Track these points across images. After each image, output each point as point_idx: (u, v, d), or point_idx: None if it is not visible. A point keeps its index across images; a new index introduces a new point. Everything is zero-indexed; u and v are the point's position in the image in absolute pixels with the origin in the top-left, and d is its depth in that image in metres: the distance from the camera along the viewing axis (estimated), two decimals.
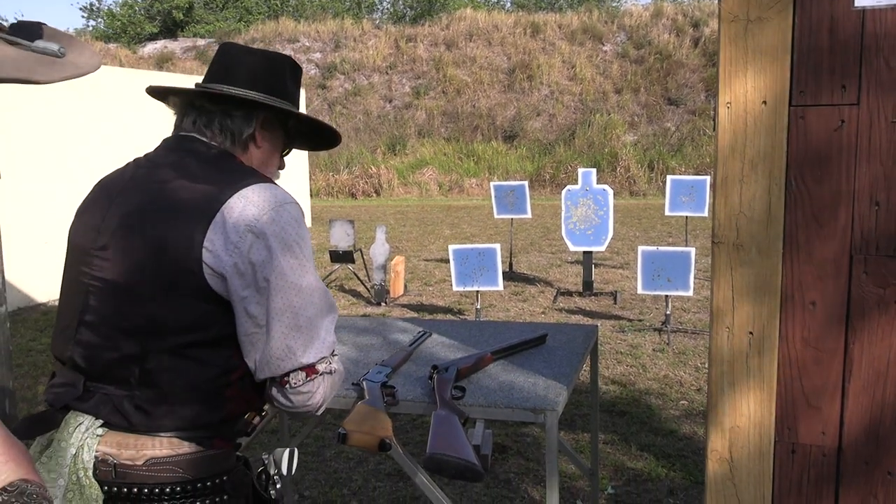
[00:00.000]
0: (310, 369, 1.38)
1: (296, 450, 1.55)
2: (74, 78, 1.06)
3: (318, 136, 1.72)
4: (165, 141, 1.52)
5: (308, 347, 1.37)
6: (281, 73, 1.56)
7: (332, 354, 1.44)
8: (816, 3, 1.53)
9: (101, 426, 1.36)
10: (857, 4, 1.51)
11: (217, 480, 1.40)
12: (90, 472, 1.33)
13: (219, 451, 1.41)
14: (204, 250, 1.32)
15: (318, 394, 1.41)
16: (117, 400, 1.36)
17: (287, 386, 1.38)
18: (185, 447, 1.37)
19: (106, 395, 1.37)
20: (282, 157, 1.63)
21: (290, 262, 1.36)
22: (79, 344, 1.39)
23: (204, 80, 1.54)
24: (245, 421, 1.47)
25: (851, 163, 1.55)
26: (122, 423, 1.35)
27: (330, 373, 1.42)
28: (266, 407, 1.51)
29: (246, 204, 1.35)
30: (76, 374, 1.40)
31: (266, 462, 1.53)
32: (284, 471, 1.51)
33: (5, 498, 1.00)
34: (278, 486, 1.53)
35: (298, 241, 1.38)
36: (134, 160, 1.52)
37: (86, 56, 1.10)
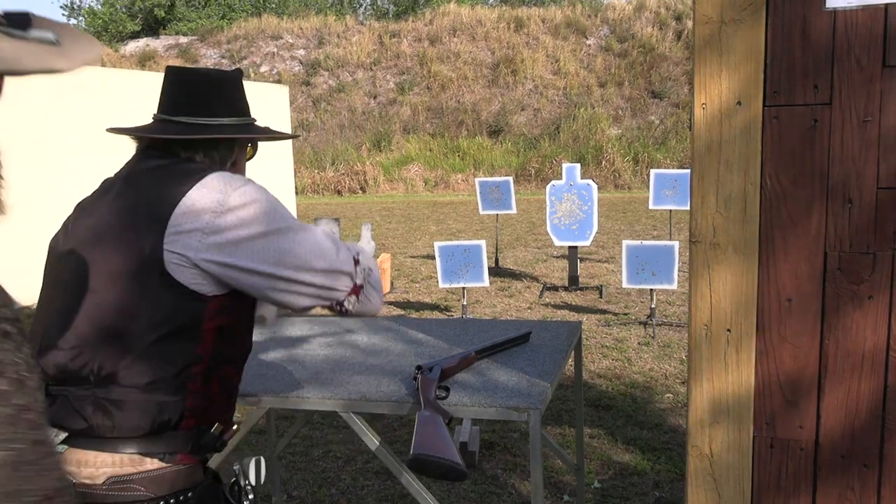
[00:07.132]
0: (354, 289, 1.48)
1: (262, 458, 1.54)
2: (90, 64, 1.07)
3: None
4: (130, 160, 1.51)
5: (336, 280, 1.45)
6: (241, 90, 1.56)
7: (356, 263, 1.50)
8: (789, 4, 1.56)
9: (60, 443, 1.32)
10: (828, 6, 1.53)
11: (181, 497, 1.36)
12: None
13: (184, 467, 1.38)
14: (169, 247, 1.31)
15: (373, 298, 1.54)
16: (78, 402, 1.33)
17: (347, 313, 1.50)
18: (147, 464, 1.33)
19: (66, 397, 1.34)
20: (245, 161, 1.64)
21: (274, 226, 1.38)
22: (44, 349, 1.37)
23: (173, 111, 1.48)
24: (213, 435, 1.43)
25: (824, 162, 1.57)
26: (82, 424, 1.32)
27: (368, 277, 1.52)
28: (237, 421, 1.51)
29: (208, 191, 1.35)
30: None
31: (237, 473, 1.52)
32: (253, 480, 1.51)
33: None
34: (251, 496, 1.51)
35: (269, 210, 1.38)
36: (104, 180, 1.51)
37: (83, 43, 1.11)
